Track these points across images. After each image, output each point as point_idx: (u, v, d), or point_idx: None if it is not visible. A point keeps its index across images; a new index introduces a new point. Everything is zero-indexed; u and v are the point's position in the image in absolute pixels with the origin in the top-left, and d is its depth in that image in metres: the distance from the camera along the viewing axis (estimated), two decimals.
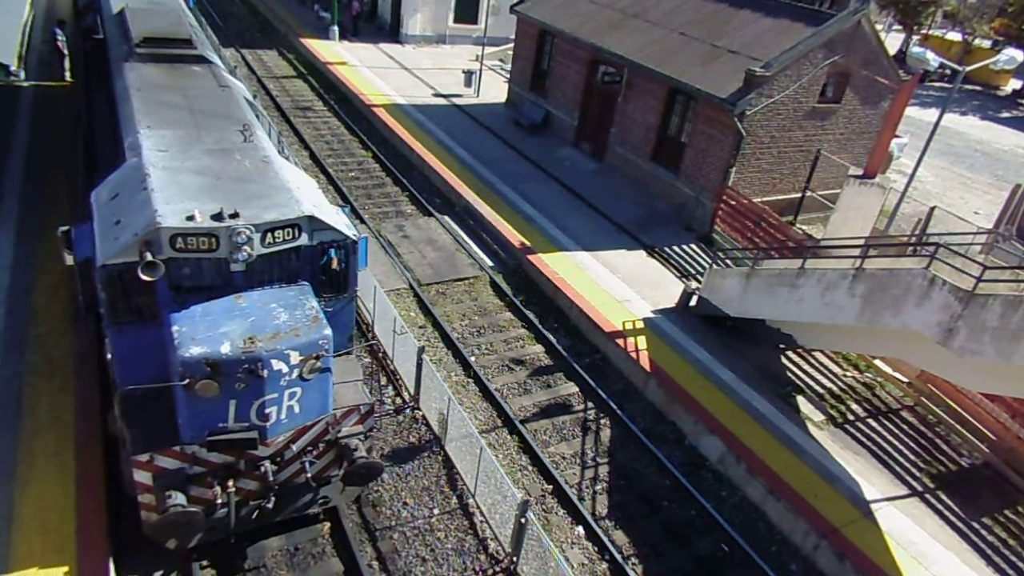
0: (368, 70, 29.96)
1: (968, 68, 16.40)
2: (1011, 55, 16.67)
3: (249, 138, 9.37)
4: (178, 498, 7.27)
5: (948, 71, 44.71)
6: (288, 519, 8.69)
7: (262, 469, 7.76)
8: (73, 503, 8.46)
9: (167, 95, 10.27)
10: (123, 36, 12.19)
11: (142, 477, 7.24)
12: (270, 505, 8.06)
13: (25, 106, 18.90)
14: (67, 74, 20.75)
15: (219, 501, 7.63)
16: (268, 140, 9.88)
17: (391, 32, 36.41)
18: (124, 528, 8.38)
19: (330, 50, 32.00)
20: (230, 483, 7.65)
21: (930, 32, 55.67)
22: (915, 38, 53.26)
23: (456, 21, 35.82)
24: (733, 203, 18.59)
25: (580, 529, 10.38)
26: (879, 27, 24.43)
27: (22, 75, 20.75)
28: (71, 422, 9.52)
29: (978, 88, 50.29)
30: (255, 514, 8.10)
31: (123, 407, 7.51)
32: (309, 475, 8.06)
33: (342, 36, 34.00)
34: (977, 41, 50.19)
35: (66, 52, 20.64)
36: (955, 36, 52.85)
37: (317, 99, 27.12)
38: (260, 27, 36.48)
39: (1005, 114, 45.07)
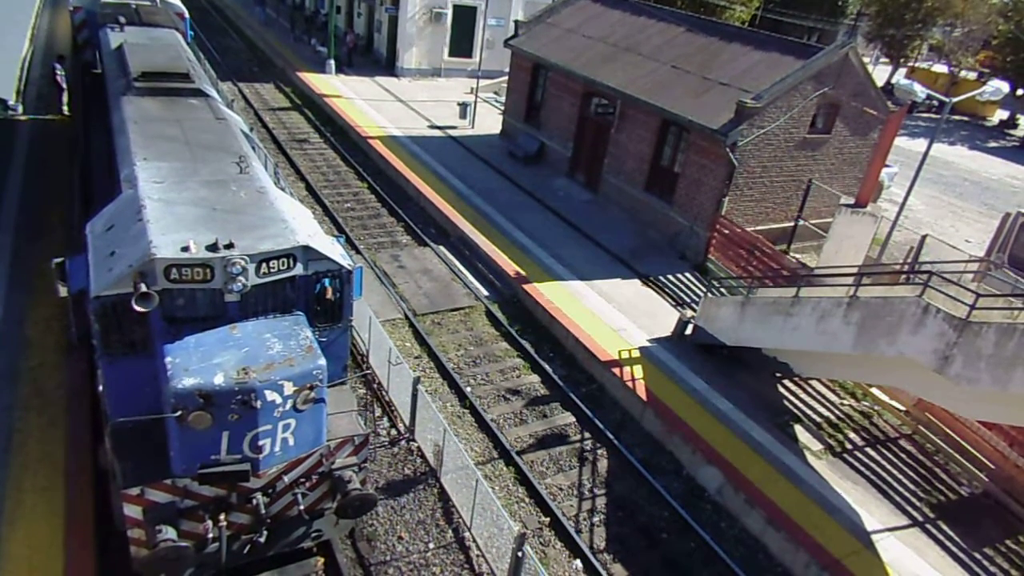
0: (364, 103, 30.30)
1: (955, 99, 16.65)
2: (996, 86, 16.93)
3: (245, 169, 9.40)
4: (168, 532, 7.12)
5: (935, 102, 45.41)
6: (280, 554, 8.51)
7: (254, 502, 7.63)
8: (62, 540, 8.29)
9: (164, 128, 10.33)
10: (121, 70, 12.31)
11: (132, 511, 7.10)
12: (262, 539, 7.89)
13: (22, 139, 19.01)
14: (65, 108, 20.91)
15: (210, 535, 7.48)
16: (264, 171, 9.93)
17: (387, 66, 36.92)
18: (113, 564, 8.20)
19: (326, 83, 32.39)
20: (221, 517, 7.50)
21: (916, 65, 56.86)
22: (901, 70, 54.32)
23: (451, 55, 36.39)
24: (727, 232, 18.71)
25: (578, 563, 10.21)
26: (866, 60, 24.85)
27: (19, 109, 20.92)
28: (61, 456, 9.38)
29: (965, 119, 51.11)
30: (247, 548, 7.93)
31: (114, 440, 7.40)
32: (302, 507, 7.93)
33: (338, 70, 34.45)
34: (963, 73, 51.19)
35: (64, 86, 20.82)
36: (941, 68, 53.94)
37: (313, 131, 27.37)
38: (257, 61, 36.94)
39: (992, 144, 45.73)
